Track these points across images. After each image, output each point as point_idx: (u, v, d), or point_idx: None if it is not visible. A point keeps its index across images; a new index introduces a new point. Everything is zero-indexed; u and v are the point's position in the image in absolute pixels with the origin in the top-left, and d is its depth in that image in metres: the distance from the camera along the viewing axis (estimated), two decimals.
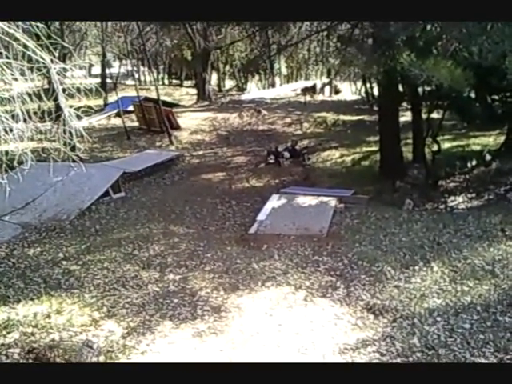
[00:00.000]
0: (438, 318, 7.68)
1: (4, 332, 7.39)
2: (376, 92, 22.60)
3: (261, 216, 12.13)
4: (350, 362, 6.75)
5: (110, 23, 29.00)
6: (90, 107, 6.76)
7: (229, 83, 40.97)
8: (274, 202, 12.98)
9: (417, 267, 9.36)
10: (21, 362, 6.76)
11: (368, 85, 27.11)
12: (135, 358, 6.86)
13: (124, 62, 38.08)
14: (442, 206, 14.00)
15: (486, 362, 6.66)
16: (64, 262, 9.93)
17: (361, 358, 6.82)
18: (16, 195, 11.01)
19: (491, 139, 18.35)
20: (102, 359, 6.81)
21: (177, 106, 27.67)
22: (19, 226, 11.91)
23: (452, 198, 14.45)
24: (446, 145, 17.64)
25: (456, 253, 9.80)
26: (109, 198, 14.04)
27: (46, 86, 8.10)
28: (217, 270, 9.58)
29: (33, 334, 7.37)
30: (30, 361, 6.73)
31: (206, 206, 13.80)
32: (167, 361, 6.76)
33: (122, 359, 6.80)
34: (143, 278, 9.26)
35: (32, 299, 8.43)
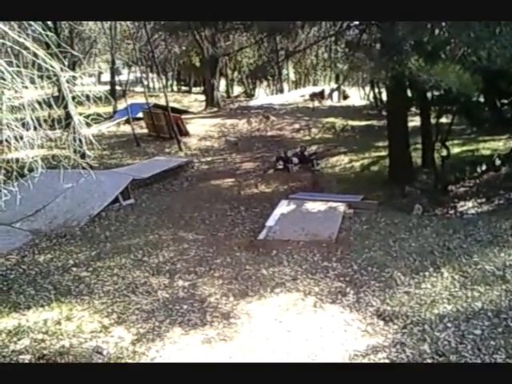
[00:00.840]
0: (449, 324, 7.64)
1: (15, 338, 7.44)
2: (384, 97, 22.60)
3: (270, 222, 12.13)
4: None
5: (118, 30, 29.17)
6: (99, 114, 6.79)
7: (237, 89, 41.09)
8: (283, 207, 12.97)
9: (427, 273, 9.32)
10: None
11: (376, 90, 27.13)
12: None
13: (133, 69, 38.26)
14: (452, 211, 13.94)
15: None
16: (74, 269, 9.98)
17: None
18: (26, 202, 11.09)
19: (501, 144, 18.28)
20: None
21: (186, 112, 27.78)
22: (30, 233, 11.97)
23: (462, 203, 14.38)
24: (456, 149, 17.57)
25: (466, 258, 9.75)
26: (118, 204, 14.10)
27: (56, 94, 8.17)
28: (226, 276, 9.58)
29: (43, 340, 7.41)
30: None
31: (215, 212, 13.81)
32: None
33: None
34: (153, 284, 9.28)
35: (42, 306, 8.48)
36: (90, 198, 13.62)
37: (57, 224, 12.49)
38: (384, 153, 17.91)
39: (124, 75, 37.79)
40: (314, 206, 13.01)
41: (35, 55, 5.66)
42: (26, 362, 6.89)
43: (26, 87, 5.83)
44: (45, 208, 13.18)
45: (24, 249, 11.15)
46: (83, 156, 7.06)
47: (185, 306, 8.41)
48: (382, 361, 6.83)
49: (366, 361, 6.86)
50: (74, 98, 6.13)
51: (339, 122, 23.77)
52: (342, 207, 12.70)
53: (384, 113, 21.19)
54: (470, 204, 14.29)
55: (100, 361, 6.84)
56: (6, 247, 11.16)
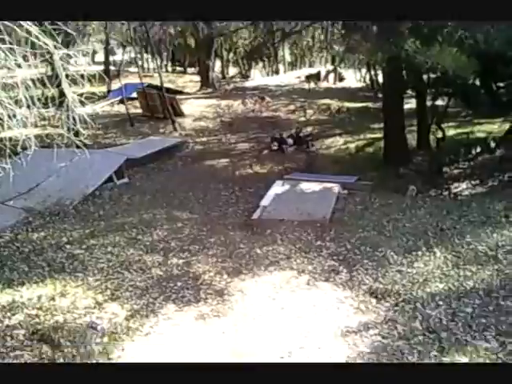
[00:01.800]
0: (440, 302, 7.69)
1: (9, 314, 7.44)
2: (380, 79, 22.54)
3: (264, 202, 12.13)
4: (351, 352, 6.68)
5: None
6: (93, 93, 6.76)
7: (232, 70, 40.84)
8: (278, 187, 12.99)
9: (420, 252, 9.36)
10: (26, 345, 6.77)
11: (372, 72, 27.02)
12: (139, 339, 6.90)
13: (127, 49, 37.93)
14: (446, 193, 14.01)
15: (488, 345, 6.67)
16: (68, 246, 9.97)
17: (363, 340, 6.84)
18: (20, 180, 10.98)
19: (496, 126, 18.29)
20: (105, 340, 6.85)
21: (180, 93, 27.61)
22: (23, 211, 11.93)
23: (456, 184, 14.46)
24: (451, 132, 17.61)
25: (459, 238, 9.79)
26: (112, 183, 14.07)
27: (50, 73, 8.11)
28: (220, 254, 9.60)
29: (37, 315, 7.41)
30: (35, 342, 6.76)
31: (210, 191, 13.81)
32: (169, 351, 6.71)
33: (126, 341, 6.84)
34: (147, 261, 9.29)
35: (36, 282, 8.47)
36: (84, 177, 13.56)
37: (50, 202, 12.44)
38: (379, 135, 17.91)
39: (118, 55, 37.50)
40: (309, 187, 13.04)
41: (28, 32, 5.59)
42: (22, 340, 6.88)
43: (19, 65, 5.78)
44: (38, 186, 13.12)
45: (17, 226, 11.12)
46: (77, 134, 7.02)
47: (179, 283, 8.43)
48: (373, 337, 6.88)
49: (358, 337, 6.91)
50: (67, 76, 6.09)
51: (335, 104, 23.73)
52: (336, 188, 12.73)
53: (380, 95, 21.17)
54: (464, 185, 14.38)
55: (94, 336, 6.86)
56: None
